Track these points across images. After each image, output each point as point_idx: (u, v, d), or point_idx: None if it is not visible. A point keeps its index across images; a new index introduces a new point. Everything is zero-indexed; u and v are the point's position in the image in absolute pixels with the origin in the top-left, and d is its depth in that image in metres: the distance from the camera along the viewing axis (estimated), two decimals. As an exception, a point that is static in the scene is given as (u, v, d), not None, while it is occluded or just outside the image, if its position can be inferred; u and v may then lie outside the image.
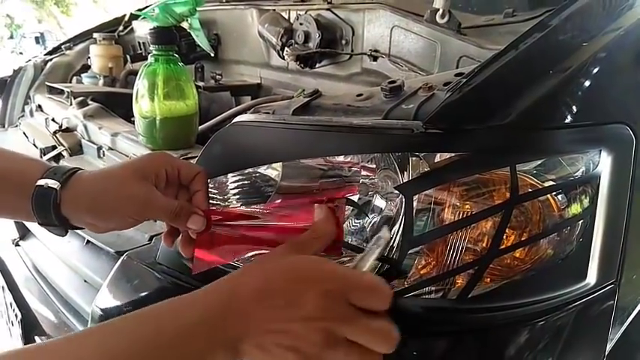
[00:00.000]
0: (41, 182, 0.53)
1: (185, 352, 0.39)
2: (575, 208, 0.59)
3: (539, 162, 0.58)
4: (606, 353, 0.67)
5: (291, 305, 0.41)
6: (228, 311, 0.41)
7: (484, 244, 0.56)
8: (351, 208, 0.60)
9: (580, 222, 0.59)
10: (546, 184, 0.57)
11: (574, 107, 0.61)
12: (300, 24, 1.21)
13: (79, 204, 0.54)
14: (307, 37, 1.19)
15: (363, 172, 0.62)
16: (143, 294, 0.67)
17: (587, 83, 0.64)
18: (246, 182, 0.66)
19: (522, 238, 0.56)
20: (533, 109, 0.58)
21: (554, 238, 0.58)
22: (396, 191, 0.56)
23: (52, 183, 0.53)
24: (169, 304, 0.43)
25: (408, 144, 0.56)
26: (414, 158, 0.56)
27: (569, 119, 0.60)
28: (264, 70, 1.46)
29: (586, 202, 0.59)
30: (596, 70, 0.65)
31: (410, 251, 0.55)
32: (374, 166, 0.61)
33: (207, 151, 0.66)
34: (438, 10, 0.92)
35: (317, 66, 1.23)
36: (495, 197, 0.56)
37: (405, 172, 0.57)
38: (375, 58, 1.08)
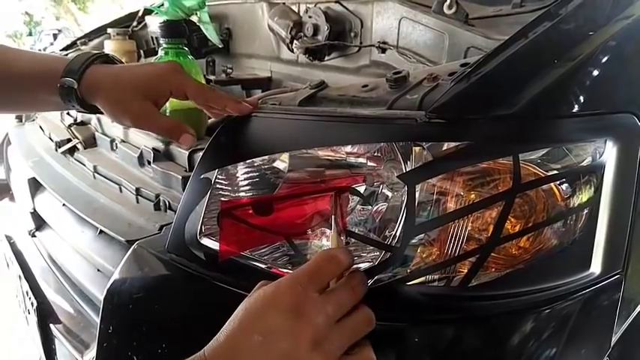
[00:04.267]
0: (62, 81, 0.61)
1: None
2: (579, 198, 0.59)
3: (543, 151, 0.58)
4: (612, 344, 0.67)
5: (268, 334, 0.42)
6: None
7: (488, 234, 0.56)
8: (356, 197, 0.61)
9: (584, 212, 0.59)
10: (550, 174, 0.57)
11: (580, 96, 0.61)
12: (310, 17, 1.22)
13: (94, 96, 0.62)
14: (316, 29, 1.19)
15: (369, 163, 0.62)
16: (153, 282, 0.68)
17: (594, 73, 0.63)
18: (255, 174, 0.66)
19: (523, 228, 0.56)
20: (540, 99, 0.58)
21: (558, 228, 0.58)
22: (398, 182, 0.56)
23: (70, 82, 0.61)
24: None
25: (411, 134, 0.56)
26: (417, 148, 0.56)
27: (575, 108, 0.60)
28: (274, 63, 1.46)
29: (590, 191, 0.59)
30: (603, 60, 0.64)
31: (413, 240, 0.55)
32: (380, 156, 0.62)
33: (214, 141, 0.67)
34: (446, 1, 0.92)
35: (326, 59, 1.23)
36: (500, 187, 0.57)
37: (409, 162, 0.57)
38: (383, 50, 1.09)
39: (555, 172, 0.58)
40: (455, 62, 0.68)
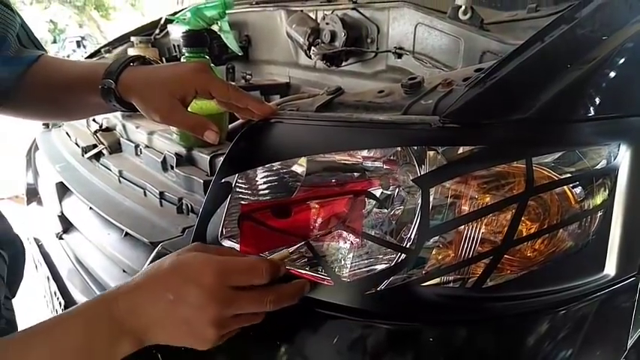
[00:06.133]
0: (102, 82, 0.66)
1: (94, 347, 0.47)
2: (593, 201, 0.59)
3: (558, 155, 0.59)
4: (628, 348, 0.67)
5: (180, 298, 0.47)
6: (122, 308, 0.47)
7: (499, 237, 0.57)
8: (372, 201, 0.62)
9: (597, 214, 0.59)
10: (563, 177, 0.58)
11: (595, 100, 0.62)
12: (327, 23, 1.24)
13: (129, 95, 0.66)
14: (333, 36, 1.21)
15: (385, 167, 0.64)
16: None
17: (608, 76, 0.64)
18: (274, 178, 0.68)
19: (536, 230, 0.57)
20: (555, 103, 0.58)
21: (572, 230, 0.59)
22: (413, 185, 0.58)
23: (109, 82, 0.66)
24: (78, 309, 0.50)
25: (425, 138, 0.58)
26: (431, 152, 0.58)
27: (589, 112, 0.61)
28: (292, 69, 1.49)
29: (604, 194, 0.60)
30: (618, 63, 0.65)
31: (428, 242, 0.57)
32: (396, 160, 0.63)
33: (235, 146, 0.69)
34: (461, 6, 0.93)
35: (343, 64, 1.25)
36: (515, 190, 0.57)
37: (423, 166, 0.58)
38: (399, 56, 1.10)
39: (569, 175, 0.58)
40: (469, 67, 0.69)
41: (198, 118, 0.67)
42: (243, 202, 0.66)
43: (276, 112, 0.69)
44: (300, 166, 0.67)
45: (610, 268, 0.60)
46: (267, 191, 0.69)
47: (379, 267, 0.58)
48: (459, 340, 0.58)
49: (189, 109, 0.68)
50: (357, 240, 0.60)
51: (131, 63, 0.69)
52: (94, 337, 0.46)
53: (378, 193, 0.62)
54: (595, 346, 0.63)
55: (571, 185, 0.59)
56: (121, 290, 0.49)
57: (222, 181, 0.68)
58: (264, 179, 0.69)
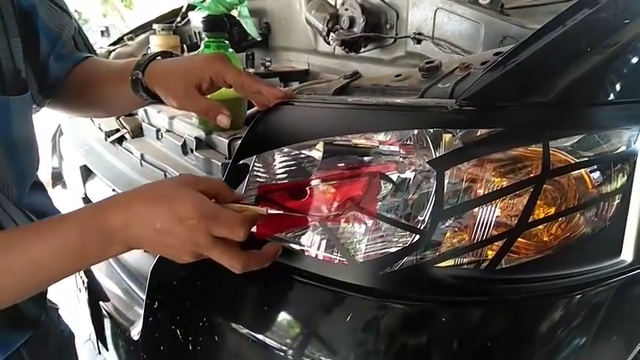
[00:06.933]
0: (132, 74, 0.71)
1: (88, 250, 0.52)
2: (611, 185, 0.59)
3: (576, 139, 0.58)
4: (645, 335, 0.67)
5: (166, 230, 0.52)
6: (115, 221, 0.52)
7: (513, 219, 0.57)
8: (388, 183, 0.63)
9: (615, 199, 0.59)
10: (580, 161, 0.57)
11: (616, 84, 0.61)
12: (346, 9, 1.24)
13: (154, 84, 0.71)
14: (352, 22, 1.21)
15: (401, 151, 0.64)
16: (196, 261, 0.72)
17: (630, 60, 0.63)
18: (291, 162, 0.69)
19: (551, 214, 0.56)
20: (575, 86, 0.58)
21: (589, 215, 0.59)
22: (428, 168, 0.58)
23: (137, 74, 0.71)
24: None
25: (442, 121, 0.58)
26: (447, 135, 0.58)
27: (610, 96, 0.60)
28: (311, 56, 1.49)
29: (622, 179, 0.59)
30: (637, 48, 0.63)
31: (442, 225, 0.57)
32: (412, 144, 0.63)
33: (253, 129, 0.70)
34: (482, -9, 0.92)
35: (362, 50, 1.25)
36: (531, 174, 0.57)
37: (439, 149, 0.59)
38: (419, 41, 1.09)
39: (586, 159, 0.58)
40: (488, 51, 0.69)
41: (211, 102, 0.70)
42: (260, 184, 0.67)
43: (289, 96, 0.70)
44: (316, 150, 0.68)
45: (627, 254, 0.60)
46: (283, 173, 0.70)
47: (393, 250, 0.59)
48: (473, 320, 0.58)
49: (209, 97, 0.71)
50: (372, 222, 0.61)
51: (157, 57, 0.74)
52: (88, 242, 0.52)
53: (394, 177, 0.63)
54: (611, 332, 0.63)
55: (589, 170, 0.58)
56: (115, 203, 0.54)
57: (240, 163, 0.69)
58: (281, 161, 0.70)
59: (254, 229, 0.66)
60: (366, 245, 0.61)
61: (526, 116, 0.57)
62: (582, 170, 0.58)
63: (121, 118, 1.21)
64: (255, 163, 0.68)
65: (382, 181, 0.62)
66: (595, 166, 0.58)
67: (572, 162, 0.57)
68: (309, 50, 1.49)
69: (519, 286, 0.58)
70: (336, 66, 1.38)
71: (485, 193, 0.57)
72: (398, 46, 1.19)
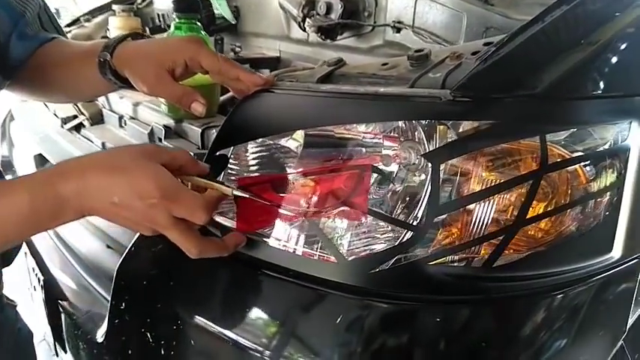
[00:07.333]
0: (100, 55, 0.66)
1: (40, 217, 0.49)
2: (603, 181, 0.58)
3: (568, 133, 0.57)
4: (626, 330, 0.67)
5: (124, 205, 0.50)
6: (69, 189, 0.49)
7: (508, 216, 0.55)
8: (376, 175, 0.60)
9: (608, 194, 0.58)
10: (575, 155, 0.56)
11: (605, 78, 0.60)
12: (322, -5, 1.20)
13: (122, 67, 0.66)
14: (329, 8, 1.17)
15: (386, 143, 0.61)
16: (168, 259, 0.68)
17: (620, 53, 0.62)
18: (265, 154, 0.65)
19: (549, 209, 0.55)
20: (564, 79, 0.57)
21: (582, 210, 0.58)
22: (418, 162, 0.55)
23: (104, 55, 0.66)
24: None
25: (435, 112, 0.55)
26: (441, 127, 0.55)
27: (599, 90, 0.59)
28: (283, 42, 1.44)
29: (614, 174, 0.58)
30: (630, 40, 0.63)
31: (435, 220, 0.55)
32: (396, 136, 0.61)
33: (231, 118, 0.66)
34: (465, -20, 0.90)
35: (338, 38, 1.21)
36: (522, 167, 0.56)
37: (432, 141, 0.56)
38: (398, 30, 1.07)
39: (580, 153, 0.57)
40: (477, 41, 0.67)
41: (185, 89, 0.65)
42: (240, 176, 0.63)
43: (268, 83, 0.66)
44: (294, 142, 0.65)
45: (617, 250, 0.59)
46: (260, 166, 0.66)
47: (377, 247, 0.57)
48: (465, 319, 0.56)
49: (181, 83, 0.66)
50: (356, 218, 0.58)
51: (127, 38, 0.69)
52: (39, 210, 0.49)
53: (384, 169, 0.60)
54: (597, 327, 0.63)
55: (582, 164, 0.57)
56: (68, 171, 0.51)
57: (218, 154, 0.65)
58: (257, 153, 0.66)
59: (233, 224, 0.63)
60: (349, 241, 0.58)
61: (523, 109, 0.55)
62: (577, 165, 0.56)
63: (79, 104, 1.13)
64: (232, 155, 0.64)
65: (370, 174, 0.59)
66: (589, 161, 0.57)
67: (566, 156, 0.56)
68: (281, 37, 1.44)
69: (511, 284, 0.56)
70: (310, 54, 1.34)
71: (479, 188, 0.55)
72: (376, 35, 1.16)
